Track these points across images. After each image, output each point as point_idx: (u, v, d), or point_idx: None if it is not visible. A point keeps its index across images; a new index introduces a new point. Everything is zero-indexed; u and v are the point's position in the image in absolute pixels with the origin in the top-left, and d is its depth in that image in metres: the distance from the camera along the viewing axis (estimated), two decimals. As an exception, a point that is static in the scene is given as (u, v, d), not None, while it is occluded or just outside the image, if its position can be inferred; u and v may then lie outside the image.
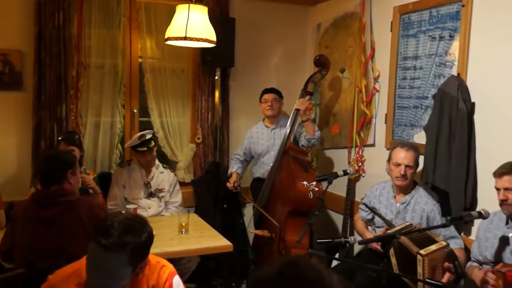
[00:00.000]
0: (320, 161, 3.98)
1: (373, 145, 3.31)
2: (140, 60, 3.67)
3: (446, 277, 2.21)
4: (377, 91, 3.26)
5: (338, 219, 3.52)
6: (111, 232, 1.45)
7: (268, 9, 3.94)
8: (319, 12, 3.98)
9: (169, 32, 2.82)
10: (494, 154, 2.38)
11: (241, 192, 3.39)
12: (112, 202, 3.17)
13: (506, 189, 2.06)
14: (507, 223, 2.16)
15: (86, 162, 3.40)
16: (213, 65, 3.64)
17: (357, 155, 3.41)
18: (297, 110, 3.20)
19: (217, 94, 3.75)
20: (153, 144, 3.24)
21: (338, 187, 3.52)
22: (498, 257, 2.15)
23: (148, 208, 3.23)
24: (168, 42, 2.87)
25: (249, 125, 3.71)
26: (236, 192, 3.40)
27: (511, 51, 2.33)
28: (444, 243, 2.23)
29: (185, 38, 2.73)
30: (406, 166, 2.57)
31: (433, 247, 2.18)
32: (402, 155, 2.59)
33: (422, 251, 2.15)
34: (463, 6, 2.55)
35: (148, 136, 3.19)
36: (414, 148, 2.64)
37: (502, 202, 2.08)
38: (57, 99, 3.26)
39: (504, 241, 2.14)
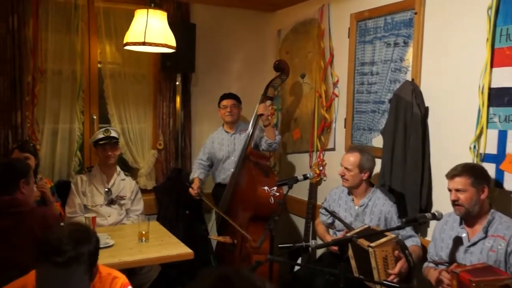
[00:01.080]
0: (282, 165, 4.01)
1: (333, 149, 3.36)
2: (99, 65, 3.60)
3: (398, 267, 2.27)
4: (337, 96, 3.32)
5: (301, 223, 3.55)
6: (64, 248, 1.40)
7: (228, 15, 3.95)
8: (279, 18, 4.03)
9: (128, 37, 2.79)
10: (447, 156, 2.46)
11: (203, 198, 3.36)
12: (70, 210, 3.09)
13: (457, 190, 2.12)
14: (460, 223, 2.23)
15: (43, 171, 3.29)
16: (174, 71, 3.61)
17: (318, 159, 3.45)
18: (260, 115, 3.21)
19: (178, 99, 3.72)
20: (117, 141, 3.20)
21: (300, 191, 3.56)
22: (452, 257, 2.21)
23: (108, 216, 3.16)
24: (127, 47, 2.84)
25: (211, 130, 3.70)
26: (199, 198, 3.37)
27: (461, 57, 2.43)
28: (393, 236, 2.29)
29: (144, 43, 2.71)
30: (345, 168, 2.66)
31: (383, 240, 2.24)
32: (344, 158, 2.72)
33: (372, 244, 2.20)
34: (415, 13, 2.64)
35: (113, 133, 3.16)
36: (361, 152, 2.71)
37: (454, 203, 2.15)
38: (12, 105, 3.15)
39: (457, 241, 2.21)
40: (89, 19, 3.50)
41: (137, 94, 3.73)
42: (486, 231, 2.10)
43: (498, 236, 2.05)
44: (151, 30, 2.70)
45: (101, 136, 3.13)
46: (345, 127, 3.24)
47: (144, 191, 3.64)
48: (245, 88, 3.92)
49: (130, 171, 3.62)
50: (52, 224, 2.11)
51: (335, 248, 2.60)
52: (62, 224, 2.47)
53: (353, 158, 2.66)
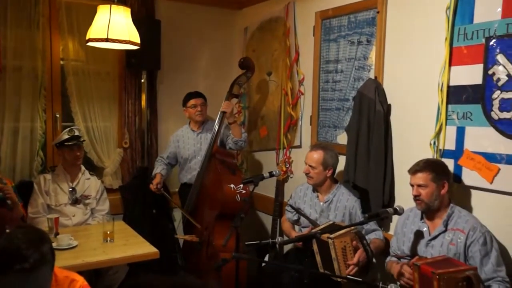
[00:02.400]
0: (250, 163, 4.02)
1: (299, 146, 3.39)
2: (62, 62, 3.50)
3: (356, 256, 2.32)
4: (302, 93, 3.35)
5: (269, 220, 3.56)
6: (25, 253, 1.34)
7: (194, 12, 3.92)
8: (245, 16, 4.02)
9: (90, 33, 2.72)
10: (408, 153, 2.52)
11: (165, 194, 3.30)
12: (33, 210, 2.99)
13: (418, 185, 2.18)
14: (421, 218, 2.29)
15: (3, 171, 3.18)
16: (139, 68, 3.56)
17: (285, 157, 3.48)
18: (224, 112, 3.20)
19: (144, 97, 3.66)
20: (82, 140, 3.15)
21: (268, 189, 3.58)
22: (414, 251, 2.27)
23: (72, 216, 3.08)
24: (90, 44, 2.77)
25: (178, 128, 3.65)
26: (161, 194, 3.31)
27: (421, 55, 2.49)
28: (352, 228, 2.34)
29: (107, 40, 2.65)
30: (310, 166, 2.69)
31: (342, 231, 2.29)
32: (308, 155, 2.75)
33: (331, 236, 2.25)
34: (378, 12, 2.69)
35: (77, 132, 3.09)
36: (324, 149, 2.74)
37: (415, 198, 2.21)
38: (-32, 103, 3.02)
39: (419, 235, 2.27)
40: (51, 15, 3.39)
41: (101, 91, 3.64)
42: (446, 225, 2.16)
43: (458, 230, 2.12)
44: (114, 26, 2.65)
45: (66, 136, 3.04)
46: (310, 125, 3.27)
47: (110, 190, 3.57)
48: (212, 86, 3.90)
49: (95, 170, 3.54)
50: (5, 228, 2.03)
51: (300, 244, 2.63)
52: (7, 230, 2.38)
53: (317, 155, 2.69)
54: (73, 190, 3.12)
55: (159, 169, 3.44)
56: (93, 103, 3.60)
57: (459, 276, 1.82)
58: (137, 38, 2.78)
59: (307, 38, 3.28)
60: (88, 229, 2.97)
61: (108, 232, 2.66)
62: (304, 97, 3.35)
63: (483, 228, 2.07)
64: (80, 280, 1.62)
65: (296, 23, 3.38)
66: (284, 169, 3.42)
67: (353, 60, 2.90)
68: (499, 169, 2.10)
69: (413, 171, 2.21)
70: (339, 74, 3.02)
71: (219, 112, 3.23)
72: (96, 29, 2.68)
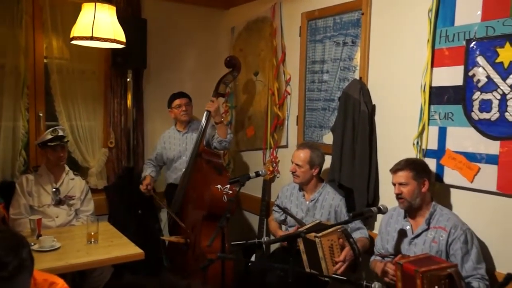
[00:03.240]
0: (237, 163, 4.02)
1: (286, 146, 3.41)
2: (45, 60, 3.45)
3: (343, 254, 2.34)
4: (289, 93, 3.36)
5: (256, 220, 3.56)
6: (4, 259, 1.30)
7: (181, 11, 3.90)
8: (232, 15, 4.02)
9: (74, 31, 2.69)
10: (392, 152, 2.55)
11: (154, 196, 3.29)
12: (15, 211, 2.94)
13: (400, 184, 2.22)
14: (405, 216, 2.32)
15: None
16: (125, 67, 3.53)
17: (272, 157, 3.49)
18: (209, 112, 3.19)
19: (129, 96, 3.63)
20: (66, 140, 3.10)
21: (255, 189, 3.58)
22: (397, 249, 2.30)
23: (56, 217, 3.04)
24: (74, 42, 2.73)
25: (165, 128, 3.63)
26: (150, 195, 3.30)
27: (405, 57, 2.53)
28: (338, 226, 2.36)
29: (91, 38, 2.62)
30: (296, 164, 2.71)
31: (329, 230, 2.31)
32: (295, 154, 2.76)
33: (318, 234, 2.27)
34: (362, 14, 2.72)
35: (61, 132, 3.04)
36: (310, 148, 2.76)
37: (397, 196, 2.24)
38: None
39: (402, 233, 2.30)
40: (34, 12, 3.35)
41: (86, 90, 3.61)
42: (428, 223, 2.20)
43: (440, 228, 2.15)
44: (99, 25, 2.62)
45: (49, 137, 3.00)
46: (297, 125, 3.29)
47: (94, 191, 3.54)
48: (199, 86, 3.89)
49: (80, 170, 3.51)
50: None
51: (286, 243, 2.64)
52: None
53: (303, 154, 2.71)
54: (57, 190, 3.08)
55: (148, 171, 3.43)
56: (78, 102, 3.56)
57: (441, 274, 1.85)
58: (122, 37, 2.76)
59: (293, 38, 3.29)
60: (72, 230, 2.94)
61: (92, 233, 2.64)
62: (291, 97, 3.37)
63: (464, 226, 2.11)
64: (60, 282, 1.59)
65: (282, 23, 3.40)
66: (271, 169, 3.43)
67: (339, 61, 2.93)
68: (479, 169, 2.15)
69: (394, 170, 2.25)
70: (325, 75, 3.04)
71: (205, 112, 3.23)
72: (80, 27, 2.65)
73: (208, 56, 4.08)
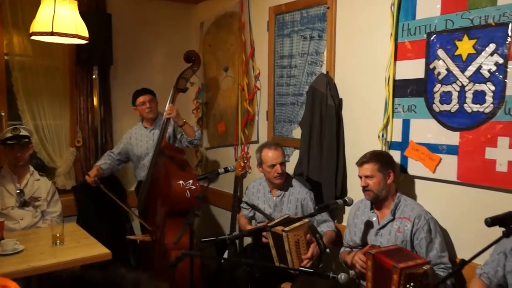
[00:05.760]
0: (209, 159, 3.99)
1: (257, 141, 3.40)
2: (6, 57, 3.34)
3: (310, 251, 2.36)
4: (258, 89, 3.35)
5: (228, 216, 3.55)
6: None
7: (148, 6, 3.84)
8: (201, 10, 3.98)
9: (34, 27, 2.59)
10: (359, 145, 2.58)
11: (101, 187, 3.16)
12: (-24, 214, 2.85)
13: (366, 176, 2.24)
14: (371, 208, 2.35)
15: None
16: (90, 63, 3.45)
17: (243, 152, 3.48)
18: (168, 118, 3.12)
19: (96, 93, 3.55)
20: (28, 140, 2.98)
21: (228, 185, 3.57)
22: (364, 240, 2.33)
23: (20, 219, 2.95)
24: (34, 37, 2.64)
25: (134, 126, 3.57)
26: (95, 185, 3.21)
27: (369, 51, 2.55)
28: (306, 220, 2.38)
29: (52, 33, 2.53)
30: (280, 164, 2.67)
31: (296, 224, 2.32)
32: (273, 155, 2.68)
33: (286, 228, 2.28)
34: (328, 8, 2.73)
35: (24, 132, 2.94)
36: (279, 145, 2.76)
37: (364, 189, 2.27)
38: None
39: (369, 225, 2.33)
40: (-7, 8, 3.24)
41: (51, 88, 3.51)
42: (393, 214, 2.23)
43: (404, 218, 2.19)
44: (59, 19, 2.54)
45: (9, 135, 2.90)
46: (267, 120, 3.29)
47: (63, 191, 3.46)
48: (169, 82, 3.77)
49: (47, 170, 3.42)
50: None
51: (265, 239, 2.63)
52: None
53: (280, 151, 2.70)
54: (21, 192, 2.98)
55: (100, 162, 3.35)
56: (42, 100, 3.47)
57: (419, 271, 1.87)
58: (85, 32, 2.68)
59: (261, 33, 3.28)
60: (37, 233, 2.86)
61: (58, 235, 2.57)
62: (260, 92, 3.36)
63: (427, 216, 2.16)
64: (12, 286, 1.53)
65: (250, 18, 3.38)
66: (242, 164, 3.41)
67: (306, 55, 2.93)
68: (440, 159, 2.19)
69: (360, 163, 2.28)
70: (293, 69, 3.05)
71: (164, 112, 3.14)
72: (40, 22, 2.57)
73: (178, 52, 3.98)
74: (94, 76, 3.54)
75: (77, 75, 3.52)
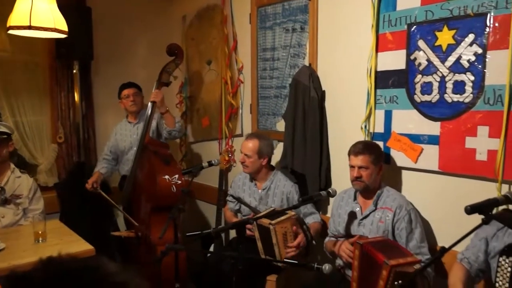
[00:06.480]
0: (194, 154, 3.97)
1: (241, 135, 3.39)
2: (-17, 52, 3.28)
3: (297, 240, 2.37)
4: (242, 82, 3.34)
5: (214, 210, 3.55)
6: None
7: (129, -1, 3.80)
8: (183, 3, 3.93)
9: (11, 21, 2.53)
10: (342, 137, 2.59)
11: (101, 193, 3.18)
12: (-45, 214, 2.79)
13: (360, 167, 2.23)
14: (354, 199, 2.37)
15: None
16: (70, 58, 3.40)
17: (227, 146, 3.47)
18: (154, 102, 3.13)
19: (77, 89, 3.50)
20: (7, 137, 2.92)
21: (212, 179, 3.56)
22: (348, 231, 2.35)
23: (1, 217, 2.90)
24: (11, 32, 2.58)
25: (117, 121, 3.54)
26: (97, 193, 3.19)
27: (351, 42, 2.55)
28: (292, 213, 2.39)
29: (29, 27, 2.48)
30: (245, 155, 2.70)
31: (283, 217, 2.34)
32: (242, 145, 2.75)
33: (273, 221, 2.29)
34: (310, 0, 2.72)
35: (2, 128, 2.88)
36: (259, 138, 2.75)
37: (356, 179, 2.25)
38: None
39: (352, 215, 2.35)
40: (-31, 2, 3.15)
41: (30, 84, 3.46)
42: (376, 204, 2.25)
43: (386, 208, 2.21)
44: (37, 13, 2.48)
45: None
46: (251, 113, 3.28)
47: (45, 188, 3.42)
48: (152, 76, 3.75)
49: (28, 167, 3.36)
50: None
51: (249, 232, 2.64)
52: None
53: (252, 144, 2.70)
54: (2, 189, 2.93)
55: (98, 167, 3.34)
56: (22, 96, 3.41)
57: (409, 271, 1.87)
58: (64, 26, 2.63)
59: (244, 26, 3.26)
60: (19, 230, 2.81)
61: (40, 232, 2.53)
62: (244, 86, 3.35)
63: (408, 206, 2.18)
64: None
65: (233, 11, 3.36)
66: (227, 158, 3.41)
67: (289, 48, 2.93)
68: (422, 149, 2.21)
69: (355, 153, 2.24)
70: (276, 62, 3.04)
71: (149, 102, 3.15)
72: (17, 16, 2.51)
73: (160, 46, 3.93)
74: (74, 71, 3.49)
75: (57, 70, 3.47)
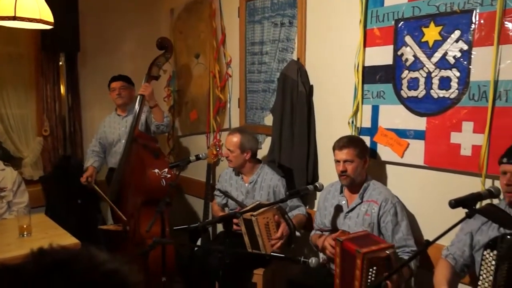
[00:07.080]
0: (182, 148, 3.96)
1: (229, 129, 3.38)
2: (-34, 44, 3.21)
3: (280, 231, 2.40)
4: (230, 76, 3.33)
5: (201, 204, 3.55)
6: None
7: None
8: (171, -4, 3.91)
9: (-5, 12, 2.50)
10: (330, 132, 2.60)
11: (95, 188, 3.16)
12: None
13: (345, 161, 2.24)
14: (341, 192, 2.38)
15: None
16: (55, 50, 3.35)
17: (215, 140, 3.46)
18: (142, 96, 3.11)
19: (62, 81, 3.46)
20: None
21: (200, 173, 3.55)
22: (334, 224, 2.37)
23: (-15, 211, 2.87)
24: (-5, 23, 2.54)
25: (105, 114, 3.51)
26: (91, 188, 3.18)
27: (339, 37, 2.56)
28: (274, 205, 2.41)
29: (14, 18, 2.44)
30: (228, 149, 2.72)
31: (265, 209, 2.36)
32: (226, 139, 2.77)
33: (254, 213, 2.30)
34: (298, -6, 2.72)
35: None
36: (241, 132, 2.75)
37: (342, 173, 2.26)
38: None
39: (338, 209, 2.36)
40: (-49, -9, 3.08)
41: (15, 75, 3.41)
42: (362, 197, 2.27)
43: (372, 201, 2.23)
44: (22, 3, 2.44)
45: None
46: (239, 107, 3.27)
47: (30, 182, 3.39)
48: (140, 69, 3.73)
49: (13, 160, 3.32)
50: None
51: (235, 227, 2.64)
52: None
53: (235, 139, 2.71)
54: (-15, 182, 2.90)
55: (90, 161, 3.31)
56: (7, 88, 3.37)
57: (381, 255, 1.90)
58: (49, 17, 2.59)
59: (232, 19, 3.25)
60: (3, 224, 2.78)
61: (25, 226, 2.50)
62: (232, 80, 3.34)
63: (394, 199, 2.20)
64: None
65: (221, 4, 3.34)
66: (215, 152, 3.40)
67: (277, 42, 2.93)
68: (408, 144, 2.24)
69: (340, 147, 2.25)
70: (264, 56, 3.04)
71: (138, 95, 3.13)
72: (1, 6, 2.46)
73: (149, 39, 3.91)
74: (60, 63, 3.44)
75: (42, 62, 3.42)
